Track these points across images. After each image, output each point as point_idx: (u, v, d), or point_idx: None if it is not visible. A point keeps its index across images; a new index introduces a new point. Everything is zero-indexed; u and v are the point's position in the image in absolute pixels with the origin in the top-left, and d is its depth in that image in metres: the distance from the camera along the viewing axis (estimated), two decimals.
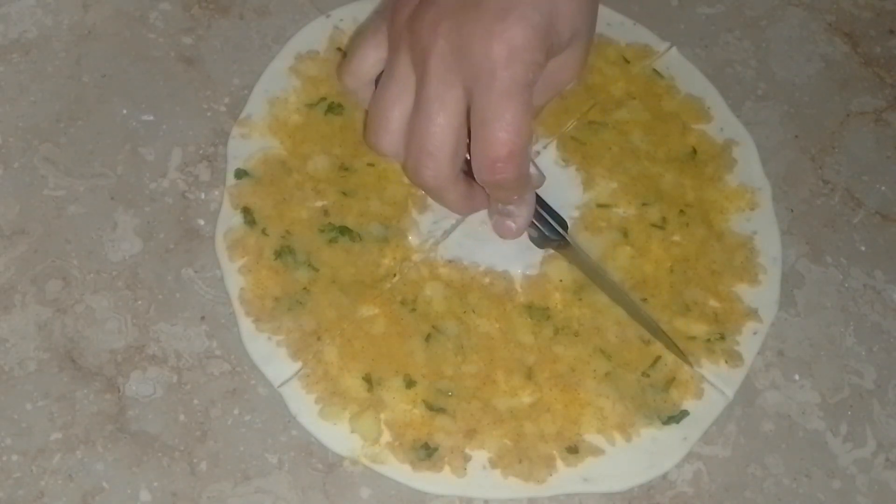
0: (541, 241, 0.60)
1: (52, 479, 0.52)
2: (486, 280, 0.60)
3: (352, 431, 0.55)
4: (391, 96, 0.52)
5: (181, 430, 0.54)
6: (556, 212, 0.59)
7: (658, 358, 0.58)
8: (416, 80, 0.51)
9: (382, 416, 0.55)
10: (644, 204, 0.63)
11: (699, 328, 0.60)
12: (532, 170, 0.54)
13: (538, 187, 0.56)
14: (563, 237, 0.59)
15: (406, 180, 0.62)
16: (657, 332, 0.58)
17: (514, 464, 0.55)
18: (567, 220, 0.60)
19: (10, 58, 0.64)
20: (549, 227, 0.59)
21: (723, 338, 0.60)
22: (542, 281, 0.60)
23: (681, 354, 0.58)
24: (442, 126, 0.50)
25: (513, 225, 0.57)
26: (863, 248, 0.65)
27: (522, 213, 0.56)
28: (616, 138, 0.65)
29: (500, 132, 0.49)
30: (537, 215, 0.58)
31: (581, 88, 0.66)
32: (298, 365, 0.56)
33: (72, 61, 0.65)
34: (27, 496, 0.52)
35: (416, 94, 0.51)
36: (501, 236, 0.58)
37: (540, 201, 0.59)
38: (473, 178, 0.53)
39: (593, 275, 0.59)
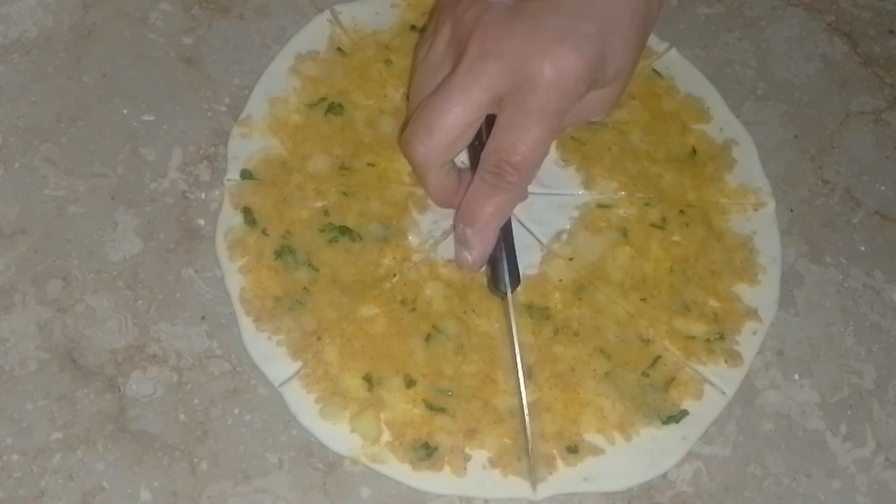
0: (489, 285, 0.59)
1: (53, 479, 0.53)
2: (486, 280, 0.60)
3: (352, 431, 0.55)
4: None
5: (181, 429, 0.54)
6: (517, 267, 0.57)
7: (658, 358, 0.58)
8: (450, 63, 0.53)
9: (382, 415, 0.55)
10: (644, 204, 0.63)
11: (699, 328, 0.60)
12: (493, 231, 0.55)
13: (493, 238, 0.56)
14: (504, 294, 0.57)
15: (407, 180, 0.62)
16: None
17: (514, 463, 0.55)
18: (518, 273, 0.58)
19: (10, 58, 0.64)
20: (496, 277, 0.57)
21: (722, 337, 0.60)
22: (541, 281, 0.60)
23: None
24: (456, 114, 0.52)
25: (468, 257, 0.57)
26: (862, 248, 0.65)
27: (477, 246, 0.56)
28: (616, 138, 0.65)
29: (520, 143, 0.51)
30: (494, 259, 0.57)
31: None
32: (298, 365, 0.56)
33: (72, 61, 0.65)
34: (27, 496, 0.52)
35: (446, 76, 0.53)
36: (458, 265, 0.58)
37: (509, 251, 0.57)
38: (469, 173, 0.55)
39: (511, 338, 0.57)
